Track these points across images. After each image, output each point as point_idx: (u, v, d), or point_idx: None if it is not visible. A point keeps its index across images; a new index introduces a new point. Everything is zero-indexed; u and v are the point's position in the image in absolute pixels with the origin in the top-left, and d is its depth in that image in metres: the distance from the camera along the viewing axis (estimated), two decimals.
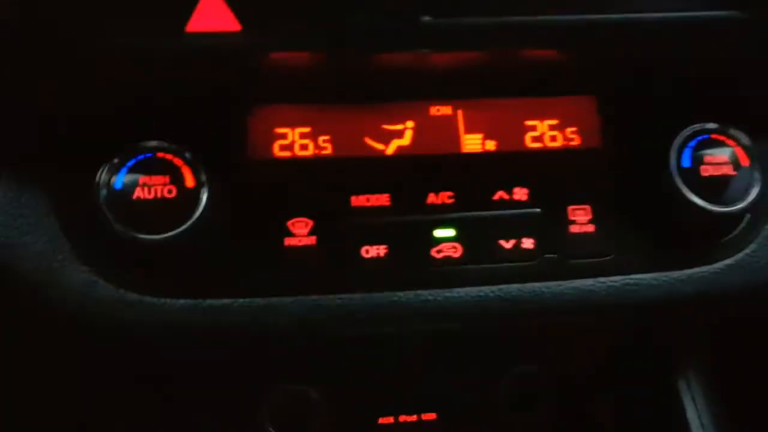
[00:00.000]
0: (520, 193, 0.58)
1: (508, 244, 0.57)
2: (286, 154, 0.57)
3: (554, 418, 0.75)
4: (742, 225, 0.59)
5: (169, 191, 0.51)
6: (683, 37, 0.51)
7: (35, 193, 0.52)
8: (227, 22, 0.44)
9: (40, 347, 0.57)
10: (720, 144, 0.57)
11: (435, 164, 0.58)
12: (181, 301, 0.52)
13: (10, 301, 0.52)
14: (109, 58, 0.45)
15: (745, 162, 0.57)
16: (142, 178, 0.51)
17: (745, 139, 0.57)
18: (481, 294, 0.55)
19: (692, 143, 0.57)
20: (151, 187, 0.51)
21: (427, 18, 0.45)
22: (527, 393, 0.75)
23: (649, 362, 0.73)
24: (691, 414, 0.67)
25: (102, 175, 0.51)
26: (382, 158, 0.58)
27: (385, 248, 0.55)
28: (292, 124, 0.58)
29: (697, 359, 0.70)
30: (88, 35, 0.44)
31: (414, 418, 0.75)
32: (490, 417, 0.74)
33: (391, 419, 0.74)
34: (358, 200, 0.56)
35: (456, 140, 0.59)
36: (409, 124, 0.59)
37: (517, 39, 0.49)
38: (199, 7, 0.43)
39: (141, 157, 0.51)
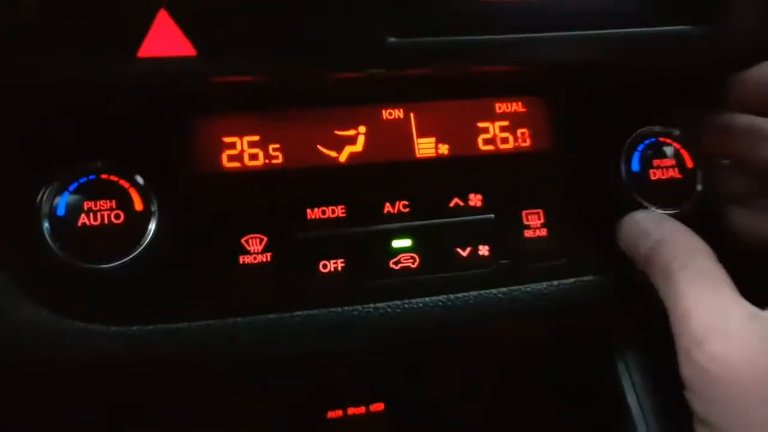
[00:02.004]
0: (475, 200, 0.58)
1: (464, 252, 0.57)
2: (236, 165, 0.55)
3: (499, 405, 0.77)
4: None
5: (117, 216, 0.48)
6: (635, 50, 0.51)
7: None
8: (181, 46, 0.41)
9: None
10: (667, 147, 0.58)
11: (390, 172, 0.57)
12: (134, 327, 0.50)
13: None
14: (54, 84, 0.42)
15: (689, 164, 0.58)
16: (86, 203, 0.48)
17: (690, 142, 0.58)
18: (440, 303, 0.55)
19: (641, 147, 0.58)
20: (97, 213, 0.48)
21: (392, 39, 0.44)
22: (473, 381, 0.76)
23: (589, 346, 0.75)
24: (631, 398, 0.70)
25: (43, 200, 0.47)
26: (336, 167, 0.56)
27: (343, 262, 0.54)
28: (240, 133, 0.55)
29: (635, 343, 0.73)
30: (34, 62, 0.40)
31: (362, 409, 0.75)
32: (437, 405, 0.75)
33: (339, 413, 0.75)
34: (313, 213, 0.55)
35: (409, 145, 0.58)
36: (362, 129, 0.58)
37: (480, 57, 0.48)
38: (152, 31, 0.40)
39: (83, 179, 0.48)
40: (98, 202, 0.48)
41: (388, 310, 0.54)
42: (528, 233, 0.58)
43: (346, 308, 0.54)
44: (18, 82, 0.42)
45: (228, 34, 0.41)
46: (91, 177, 0.48)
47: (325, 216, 0.55)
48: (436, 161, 0.58)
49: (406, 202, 0.56)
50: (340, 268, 0.54)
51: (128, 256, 0.48)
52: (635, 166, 0.58)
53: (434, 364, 0.70)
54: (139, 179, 0.49)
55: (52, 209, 0.47)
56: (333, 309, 0.53)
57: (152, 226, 0.49)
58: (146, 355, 0.50)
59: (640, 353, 0.73)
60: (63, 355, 0.50)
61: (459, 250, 0.57)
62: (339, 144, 0.57)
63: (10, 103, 0.45)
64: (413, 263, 0.56)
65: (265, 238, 0.53)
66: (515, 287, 0.57)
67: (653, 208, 0.56)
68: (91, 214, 0.48)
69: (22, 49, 0.40)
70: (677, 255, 0.48)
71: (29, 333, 0.49)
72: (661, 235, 0.50)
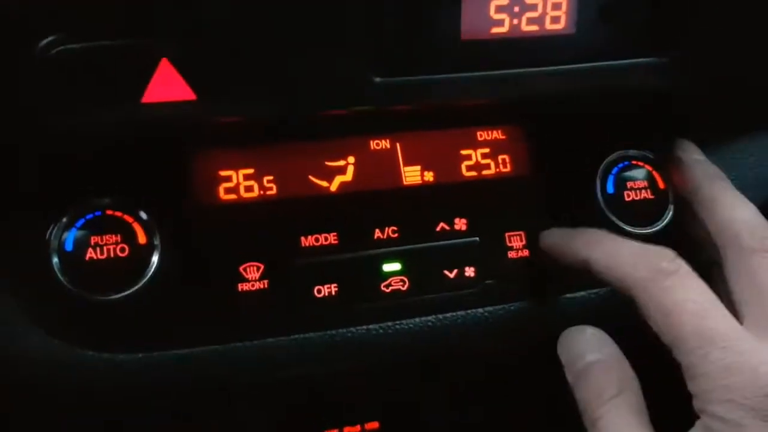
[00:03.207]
0: (460, 223, 0.61)
1: (451, 274, 0.60)
2: (232, 197, 0.58)
3: (489, 418, 0.80)
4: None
5: (122, 250, 0.51)
6: (611, 81, 0.54)
7: None
8: (182, 92, 0.44)
9: None
10: (640, 169, 0.62)
11: (379, 199, 0.60)
12: (140, 355, 0.53)
13: None
14: (63, 131, 0.45)
15: (661, 185, 0.62)
16: (93, 238, 0.50)
17: (661, 164, 0.62)
18: (430, 324, 0.58)
19: (615, 170, 0.61)
20: (103, 247, 0.50)
21: (378, 79, 0.47)
22: (463, 396, 0.79)
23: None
24: None
25: (51, 236, 0.50)
26: (327, 196, 0.59)
27: (336, 286, 0.57)
28: (236, 166, 0.58)
29: None
30: (44, 110, 0.43)
31: (357, 428, 0.78)
32: (430, 422, 0.78)
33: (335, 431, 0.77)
34: (307, 240, 0.58)
35: (396, 173, 0.61)
36: (351, 159, 0.61)
37: (461, 93, 0.51)
38: (155, 79, 0.43)
39: (90, 216, 0.51)
40: (104, 237, 0.50)
41: (381, 331, 0.57)
42: (511, 254, 0.61)
43: (340, 330, 0.56)
44: (28, 129, 0.45)
45: (225, 78, 0.45)
46: (97, 213, 0.51)
47: (319, 243, 0.58)
48: (422, 188, 0.61)
49: (395, 228, 0.59)
50: (334, 293, 0.57)
51: (134, 287, 0.50)
52: (610, 188, 0.61)
53: (426, 381, 0.73)
54: (142, 214, 0.52)
55: (61, 245, 0.50)
56: (328, 331, 0.56)
57: (155, 258, 0.51)
58: (152, 380, 0.53)
59: None
60: (73, 383, 0.52)
61: (446, 272, 0.60)
62: (330, 174, 0.60)
63: (20, 147, 0.48)
64: (403, 286, 0.59)
65: (262, 266, 0.56)
66: (500, 306, 0.60)
67: (628, 228, 0.60)
68: (98, 249, 0.50)
69: (32, 100, 0.43)
70: (612, 380, 0.49)
71: (41, 363, 0.51)
72: (600, 357, 0.51)
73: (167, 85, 0.44)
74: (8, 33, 0.40)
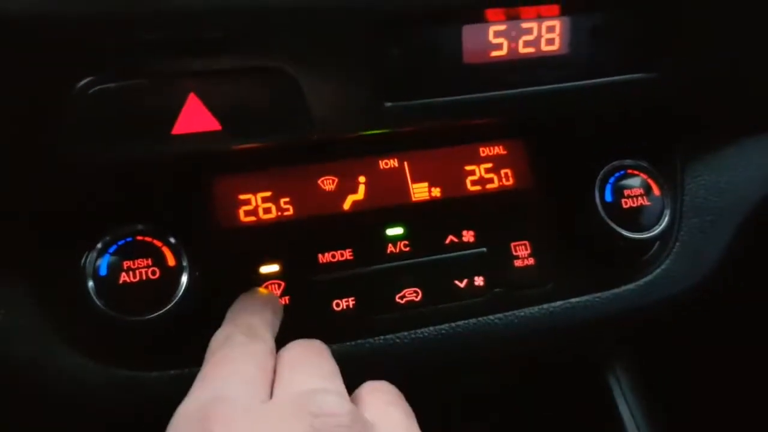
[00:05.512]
0: (468, 235, 0.64)
1: (462, 284, 0.63)
2: (252, 219, 0.61)
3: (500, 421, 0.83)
4: (656, 245, 0.68)
5: (153, 272, 0.54)
6: (604, 97, 0.58)
7: (18, 281, 0.54)
8: (208, 123, 0.47)
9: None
10: (635, 177, 0.65)
11: (390, 215, 0.63)
12: (172, 372, 0.56)
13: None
14: (97, 164, 0.48)
15: (657, 192, 0.65)
16: (125, 263, 0.53)
17: (655, 172, 0.65)
18: (443, 332, 0.61)
19: (612, 179, 0.65)
20: (135, 270, 0.54)
21: (389, 104, 0.51)
22: (476, 400, 0.82)
23: (580, 361, 0.81)
24: (623, 408, 0.76)
25: (86, 262, 0.53)
26: (341, 214, 0.63)
27: (354, 300, 0.60)
28: (254, 190, 0.61)
29: (623, 357, 0.79)
30: (78, 145, 0.47)
31: None
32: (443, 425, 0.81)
33: None
34: (324, 257, 0.61)
35: (405, 190, 0.65)
36: (362, 179, 0.64)
37: (464, 114, 0.55)
38: (184, 112, 0.47)
39: (122, 242, 0.54)
40: (136, 261, 0.54)
41: (397, 340, 0.60)
42: (517, 263, 0.65)
43: (359, 341, 0.60)
44: (67, 164, 0.48)
45: (248, 109, 0.48)
46: (128, 239, 0.54)
47: (335, 259, 0.61)
48: (430, 203, 0.65)
49: (406, 242, 0.63)
50: (351, 306, 0.60)
51: (165, 307, 0.53)
52: (608, 196, 0.64)
53: (439, 387, 0.76)
54: (171, 238, 0.55)
55: (95, 270, 0.53)
56: (348, 342, 0.59)
57: (184, 279, 0.54)
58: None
59: (628, 365, 0.79)
60: (108, 400, 0.55)
61: (457, 282, 0.63)
62: (342, 194, 0.63)
63: (58, 180, 0.52)
64: (417, 297, 0.62)
65: (283, 283, 0.60)
66: (509, 313, 0.63)
67: (628, 234, 0.63)
68: (130, 272, 0.53)
69: (71, 136, 0.46)
70: None
71: (76, 382, 0.54)
72: None
73: (195, 118, 0.47)
74: (48, 75, 0.44)
